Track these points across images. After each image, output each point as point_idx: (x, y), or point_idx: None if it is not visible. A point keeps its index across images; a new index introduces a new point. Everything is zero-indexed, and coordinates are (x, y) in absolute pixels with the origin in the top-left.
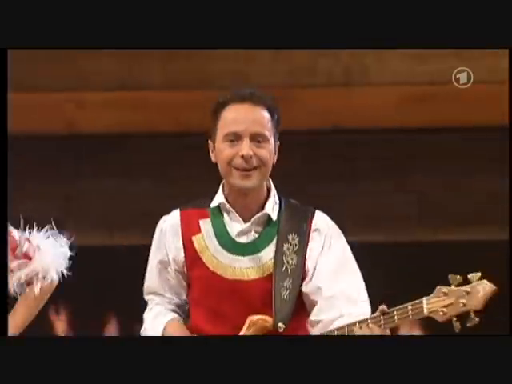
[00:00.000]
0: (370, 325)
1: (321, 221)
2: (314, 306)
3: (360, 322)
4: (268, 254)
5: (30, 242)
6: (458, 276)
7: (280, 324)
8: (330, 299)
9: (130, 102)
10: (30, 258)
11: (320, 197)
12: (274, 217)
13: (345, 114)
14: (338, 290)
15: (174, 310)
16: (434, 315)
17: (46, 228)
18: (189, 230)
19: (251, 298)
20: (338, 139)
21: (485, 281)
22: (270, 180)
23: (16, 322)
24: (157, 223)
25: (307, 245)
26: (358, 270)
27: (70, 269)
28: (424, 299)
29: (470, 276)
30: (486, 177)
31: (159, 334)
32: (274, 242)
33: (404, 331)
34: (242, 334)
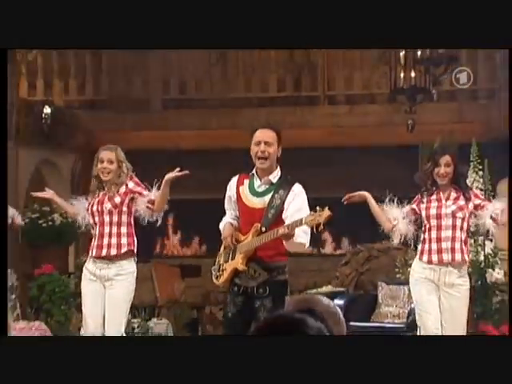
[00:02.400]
0: (287, 229)
1: (296, 187)
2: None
3: (283, 226)
4: (268, 197)
5: (148, 191)
6: (319, 208)
7: (263, 228)
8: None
9: (200, 135)
10: (142, 195)
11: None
12: (274, 181)
13: (298, 140)
14: (296, 218)
15: (233, 219)
16: (306, 225)
17: (147, 187)
18: (239, 183)
19: (258, 216)
20: (296, 153)
21: (327, 210)
22: (278, 165)
23: (158, 199)
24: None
25: (286, 196)
26: (308, 210)
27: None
28: (303, 217)
29: (323, 208)
30: (364, 165)
31: (223, 227)
32: (272, 192)
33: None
34: (250, 231)
